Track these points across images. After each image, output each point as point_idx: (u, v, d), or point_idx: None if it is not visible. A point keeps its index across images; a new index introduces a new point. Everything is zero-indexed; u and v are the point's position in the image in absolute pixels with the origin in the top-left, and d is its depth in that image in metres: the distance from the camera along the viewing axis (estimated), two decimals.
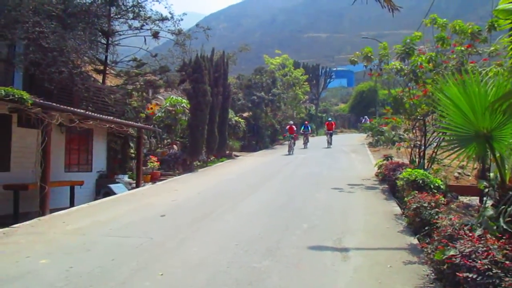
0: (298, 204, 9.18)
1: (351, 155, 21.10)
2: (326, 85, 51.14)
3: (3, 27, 11.01)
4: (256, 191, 11.09)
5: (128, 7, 16.69)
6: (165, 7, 18.84)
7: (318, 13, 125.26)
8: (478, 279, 3.51)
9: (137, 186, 13.38)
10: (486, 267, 3.54)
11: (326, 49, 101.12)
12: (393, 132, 13.03)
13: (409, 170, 8.44)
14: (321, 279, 4.63)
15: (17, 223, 7.89)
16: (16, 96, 7.85)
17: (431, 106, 9.72)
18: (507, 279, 3.42)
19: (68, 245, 6.10)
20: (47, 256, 5.50)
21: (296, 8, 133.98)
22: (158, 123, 18.17)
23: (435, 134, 11.01)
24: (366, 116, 40.62)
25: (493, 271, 3.50)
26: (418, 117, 11.52)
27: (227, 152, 21.83)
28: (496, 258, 3.61)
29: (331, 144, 26.76)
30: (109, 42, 16.74)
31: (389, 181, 10.72)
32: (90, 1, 15.17)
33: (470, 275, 3.57)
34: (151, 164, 14.91)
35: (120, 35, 17.51)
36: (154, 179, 14.63)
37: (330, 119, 31.65)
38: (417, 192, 7.10)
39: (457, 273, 3.73)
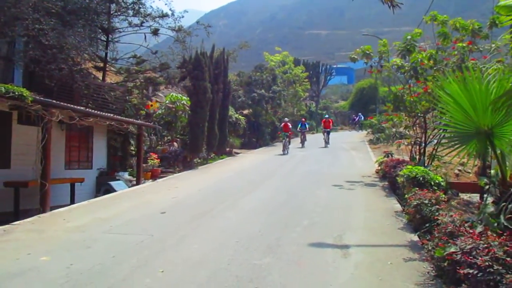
0: (299, 201, 9.18)
1: (351, 152, 21.09)
2: (327, 82, 51.08)
3: (3, 24, 10.98)
4: (256, 188, 11.10)
5: (128, 4, 16.62)
6: (165, 4, 18.82)
7: (318, 10, 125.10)
8: (479, 276, 3.51)
9: (137, 183, 13.38)
10: (487, 263, 3.54)
11: (327, 46, 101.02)
12: (394, 129, 13.04)
13: (410, 167, 8.44)
14: (322, 276, 4.63)
15: (17, 220, 7.89)
16: (17, 93, 7.83)
17: (431, 103, 9.72)
18: (508, 275, 3.42)
19: (68, 242, 6.10)
20: (47, 253, 5.50)
21: (296, 5, 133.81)
22: (158, 120, 18.17)
23: (435, 131, 11.01)
24: (360, 114, 40.36)
25: (494, 268, 3.49)
26: (419, 114, 11.52)
27: (227, 149, 21.82)
28: (497, 255, 3.61)
29: (328, 143, 24.93)
30: (109, 39, 16.70)
31: (389, 178, 10.72)
32: None
33: (471, 272, 3.57)
34: (151, 161, 14.91)
35: (120, 32, 17.46)
36: (154, 176, 14.64)
37: (326, 116, 29.86)
38: (417, 189, 7.10)
39: (458, 270, 3.73)
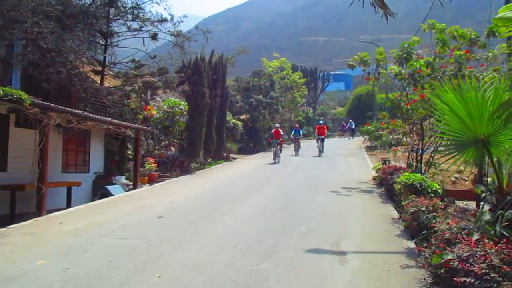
0: (296, 207, 9.18)
1: (348, 159, 21.14)
2: (324, 89, 51.27)
3: (2, 27, 10.99)
4: (254, 194, 11.10)
5: (127, 9, 16.68)
6: (165, 9, 18.92)
7: (316, 17, 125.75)
8: (475, 284, 3.53)
9: (134, 187, 13.34)
10: (483, 271, 3.56)
11: (324, 52, 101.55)
12: (391, 136, 13.08)
13: (407, 174, 8.48)
14: (319, 282, 4.63)
15: (13, 223, 7.84)
16: (15, 96, 7.82)
17: (428, 110, 9.77)
18: (504, 283, 3.44)
19: (65, 246, 6.07)
20: (44, 257, 5.47)
21: (294, 12, 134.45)
22: (156, 124, 18.16)
23: (432, 138, 11.05)
24: (351, 121, 40.22)
25: (491, 276, 3.52)
26: (416, 121, 11.57)
27: (225, 154, 21.80)
28: (493, 263, 3.63)
29: (322, 151, 23.04)
30: (108, 43, 16.74)
31: (386, 185, 10.76)
32: (89, 2, 15.18)
33: (468, 279, 3.59)
34: (149, 165, 14.88)
35: (119, 36, 17.49)
36: (151, 180, 14.61)
37: (321, 121, 27.73)
38: (414, 196, 7.13)
39: (455, 278, 3.75)
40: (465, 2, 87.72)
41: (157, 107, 19.44)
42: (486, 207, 5.49)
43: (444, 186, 10.08)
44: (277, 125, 23.01)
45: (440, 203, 6.63)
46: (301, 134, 25.52)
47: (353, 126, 38.74)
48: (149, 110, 17.51)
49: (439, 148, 9.90)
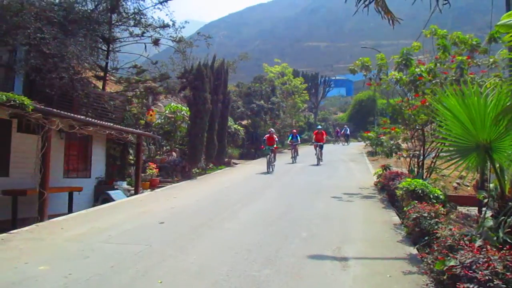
0: (297, 212, 9.17)
1: (350, 164, 21.10)
2: (325, 94, 51.40)
3: (5, 32, 11.06)
4: (255, 200, 11.08)
5: (129, 14, 16.77)
6: (166, 15, 19.08)
7: (317, 22, 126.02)
8: None
9: (136, 192, 13.34)
10: (487, 278, 3.53)
11: (325, 58, 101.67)
12: (392, 142, 13.07)
13: (408, 179, 8.46)
14: None
15: (15, 228, 7.85)
16: (17, 101, 7.84)
17: (429, 116, 9.77)
18: None
19: (66, 252, 6.07)
20: (45, 262, 5.46)
21: (295, 17, 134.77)
22: (158, 130, 18.19)
23: (434, 144, 11.05)
24: (346, 126, 40.17)
25: (494, 283, 3.49)
26: (417, 127, 11.57)
27: (226, 159, 21.80)
28: (497, 269, 3.61)
29: (321, 160, 20.83)
30: (110, 48, 16.81)
31: (388, 191, 10.73)
32: (91, 8, 15.27)
33: (471, 286, 3.56)
34: (150, 171, 14.89)
35: (121, 42, 17.58)
36: (153, 186, 14.60)
37: (319, 126, 25.29)
38: (416, 202, 7.11)
39: (458, 284, 3.72)
40: (466, 8, 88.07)
41: (159, 113, 19.47)
42: (489, 213, 5.48)
43: (446, 192, 10.05)
44: (271, 129, 20.18)
45: (442, 209, 6.61)
46: (299, 139, 23.58)
47: (348, 132, 38.69)
48: (151, 115, 17.56)
49: (441, 154, 9.88)
